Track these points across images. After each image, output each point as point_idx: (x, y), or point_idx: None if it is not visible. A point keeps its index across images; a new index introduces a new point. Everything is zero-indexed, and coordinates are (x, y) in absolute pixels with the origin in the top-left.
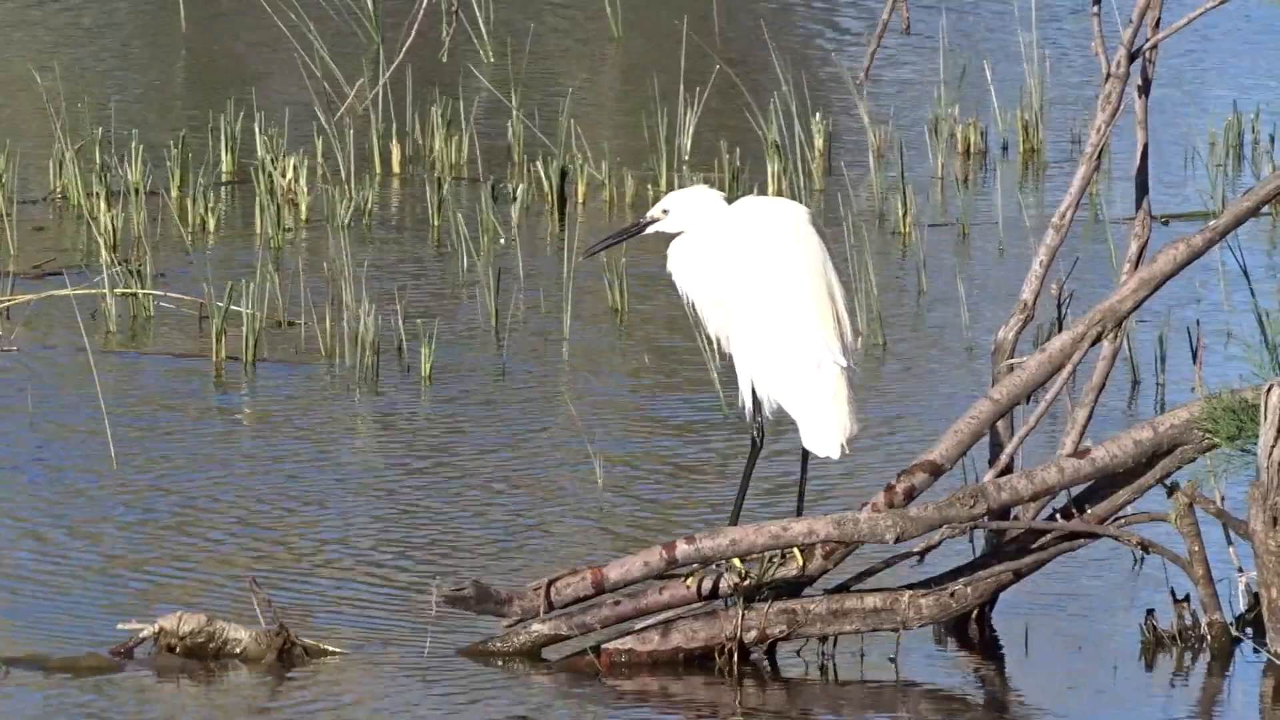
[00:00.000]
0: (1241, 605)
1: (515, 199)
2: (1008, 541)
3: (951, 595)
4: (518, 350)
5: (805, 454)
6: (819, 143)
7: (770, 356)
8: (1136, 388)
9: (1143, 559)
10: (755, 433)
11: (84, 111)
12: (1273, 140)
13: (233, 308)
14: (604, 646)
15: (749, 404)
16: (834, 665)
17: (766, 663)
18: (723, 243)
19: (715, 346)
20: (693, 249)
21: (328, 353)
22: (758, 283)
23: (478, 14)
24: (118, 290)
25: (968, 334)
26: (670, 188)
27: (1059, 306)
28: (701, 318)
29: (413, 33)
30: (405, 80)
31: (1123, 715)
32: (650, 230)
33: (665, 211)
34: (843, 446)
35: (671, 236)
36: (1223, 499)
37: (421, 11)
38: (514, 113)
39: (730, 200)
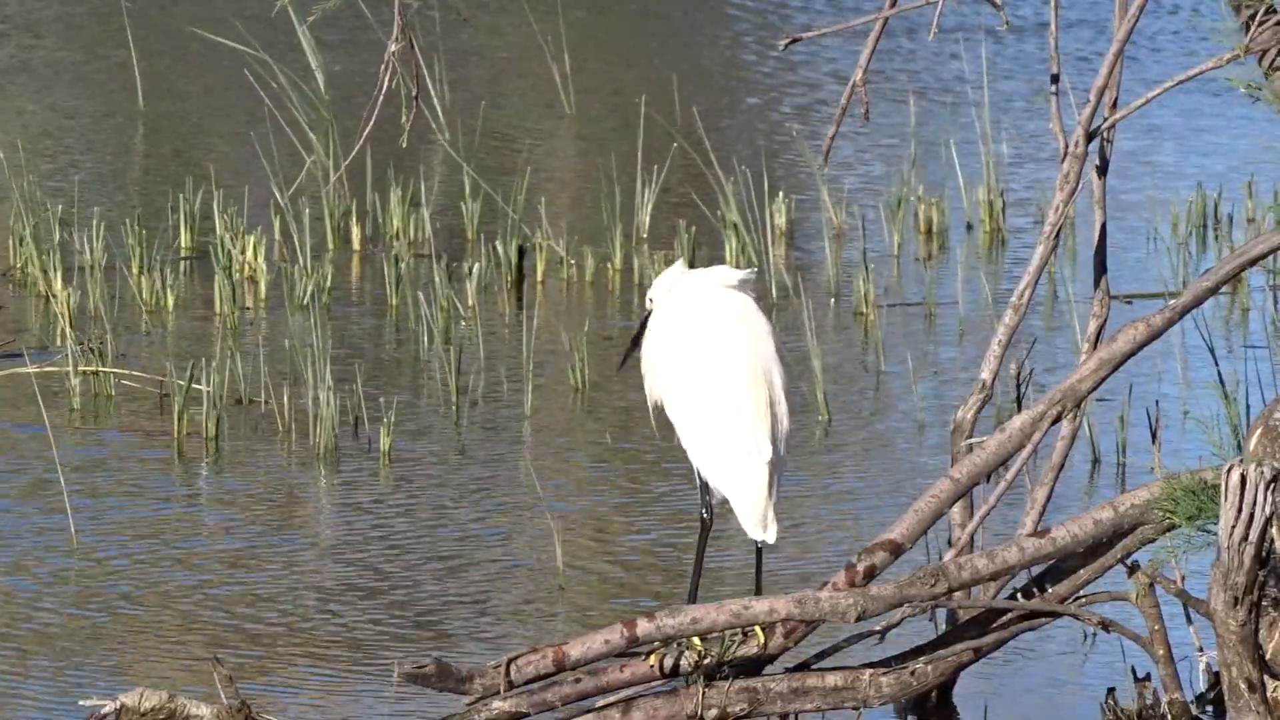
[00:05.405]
0: (1202, 684)
1: (471, 276)
2: (969, 620)
3: (912, 674)
4: (477, 428)
5: None
6: (780, 222)
7: (702, 441)
8: (1096, 466)
9: (1097, 635)
10: (704, 512)
11: (40, 187)
12: (1231, 220)
13: (193, 386)
14: None
15: (697, 483)
16: None
17: None
18: (656, 322)
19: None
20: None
21: (287, 430)
22: (689, 367)
23: (445, 95)
24: (79, 369)
25: (925, 414)
26: (628, 266)
27: (1018, 386)
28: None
29: (370, 123)
30: (365, 159)
31: None
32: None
33: (651, 300)
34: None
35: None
36: (1183, 578)
37: (380, 101)
38: (467, 188)
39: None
